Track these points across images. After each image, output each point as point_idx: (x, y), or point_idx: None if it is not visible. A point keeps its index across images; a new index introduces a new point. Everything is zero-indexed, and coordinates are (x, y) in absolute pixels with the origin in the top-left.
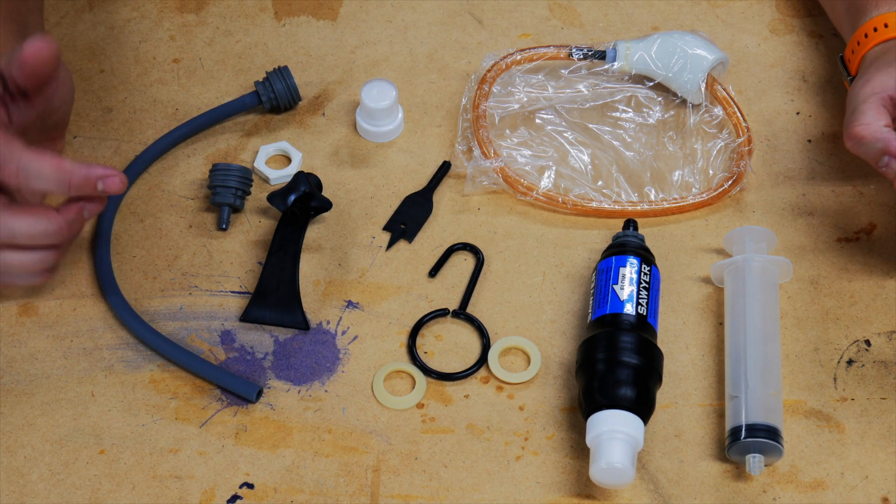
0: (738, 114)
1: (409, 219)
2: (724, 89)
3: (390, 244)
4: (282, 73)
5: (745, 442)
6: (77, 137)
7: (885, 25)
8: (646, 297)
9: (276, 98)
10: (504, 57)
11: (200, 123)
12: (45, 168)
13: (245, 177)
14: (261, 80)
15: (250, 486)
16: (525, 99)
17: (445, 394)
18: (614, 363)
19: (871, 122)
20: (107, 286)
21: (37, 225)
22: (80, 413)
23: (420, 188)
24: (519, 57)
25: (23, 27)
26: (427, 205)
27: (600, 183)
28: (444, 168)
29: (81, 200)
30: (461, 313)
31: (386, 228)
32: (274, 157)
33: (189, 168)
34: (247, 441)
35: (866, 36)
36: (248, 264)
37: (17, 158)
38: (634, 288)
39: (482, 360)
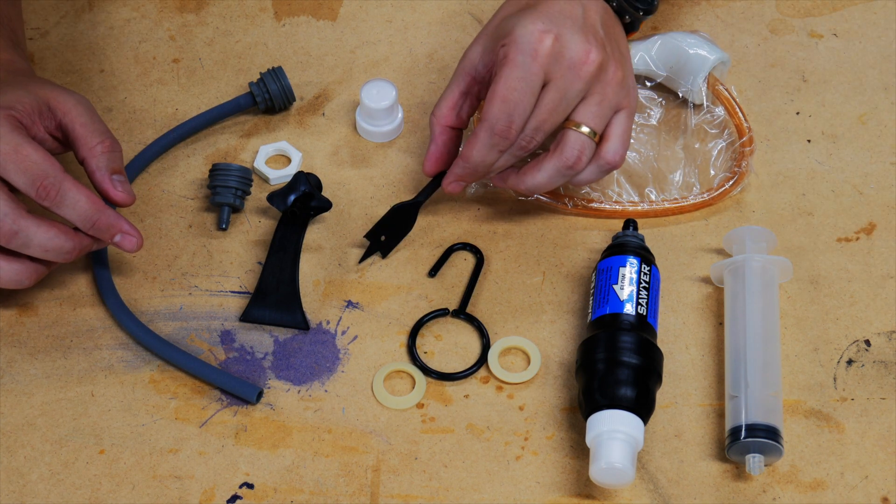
0: (740, 114)
1: (390, 231)
2: (727, 89)
3: (363, 258)
4: (276, 73)
5: (745, 442)
6: None
7: None
8: (646, 297)
9: (270, 99)
10: None
11: (196, 125)
12: (82, 201)
13: (245, 177)
14: (255, 80)
15: (250, 486)
16: None
17: (445, 394)
18: (614, 363)
19: (446, 114)
20: (105, 289)
21: (56, 240)
22: (80, 413)
23: (419, 189)
24: None
25: (12, 34)
26: (411, 220)
27: (601, 184)
28: (438, 180)
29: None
30: (461, 313)
31: (367, 237)
32: (274, 157)
33: (189, 168)
34: (247, 441)
35: None
36: (248, 264)
37: (61, 183)
38: (634, 288)
39: (482, 360)
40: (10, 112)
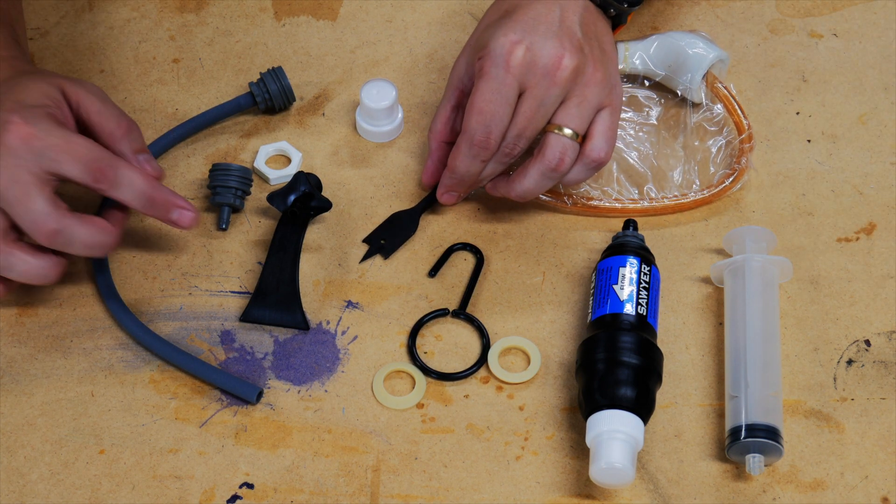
0: (739, 111)
1: (390, 235)
2: (725, 87)
3: (365, 257)
4: (276, 73)
5: (745, 442)
6: None
7: None
8: (646, 297)
9: (270, 99)
10: None
11: (196, 125)
12: (137, 180)
13: (245, 177)
14: (255, 80)
15: (250, 486)
16: None
17: (445, 394)
18: (614, 363)
19: (440, 129)
20: (104, 289)
21: (98, 236)
22: (80, 413)
23: (419, 189)
24: None
25: (12, 31)
26: (412, 225)
27: (601, 181)
28: None
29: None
30: (461, 313)
31: (366, 241)
32: (274, 157)
33: (189, 168)
34: (247, 441)
35: None
36: (248, 264)
37: (116, 164)
38: (634, 288)
39: (482, 360)
40: (46, 109)
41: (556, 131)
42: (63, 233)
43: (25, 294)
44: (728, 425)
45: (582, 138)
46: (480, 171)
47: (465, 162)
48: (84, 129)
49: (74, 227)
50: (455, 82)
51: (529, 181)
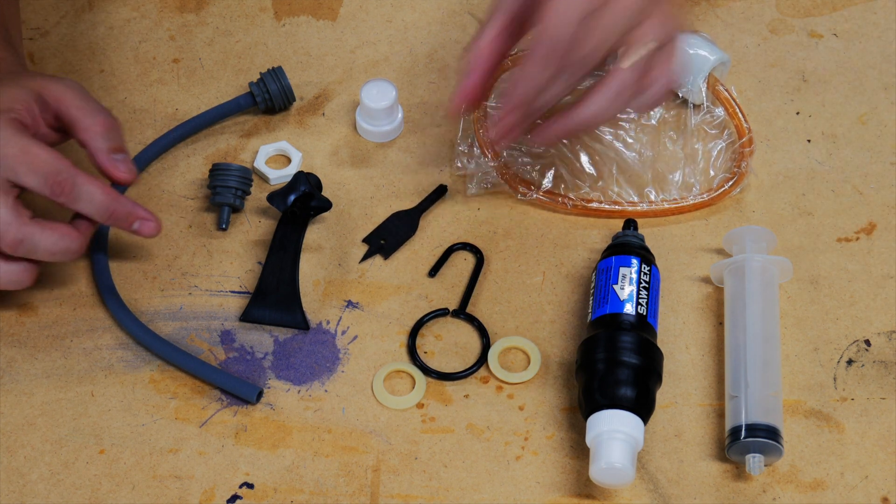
0: (740, 114)
1: (390, 235)
2: (726, 90)
3: (364, 257)
4: (276, 73)
5: (745, 442)
6: None
7: None
8: (646, 296)
9: (270, 99)
10: None
11: (196, 125)
12: (97, 194)
13: (245, 177)
14: (255, 80)
15: (250, 486)
16: None
17: (445, 394)
18: (614, 363)
19: (488, 45)
20: (104, 289)
21: (61, 242)
22: (80, 413)
23: (419, 189)
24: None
25: (5, 33)
26: (412, 226)
27: (601, 183)
28: (439, 192)
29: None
30: (461, 313)
31: (365, 241)
32: (274, 157)
33: (189, 168)
34: (247, 441)
35: None
36: (248, 264)
37: (74, 177)
38: (634, 288)
39: (482, 360)
40: (10, 115)
41: (628, 51)
42: (26, 241)
43: (25, 294)
44: (728, 425)
45: (650, 64)
46: (544, 88)
47: (536, 73)
48: (64, 126)
49: (37, 236)
50: (505, 5)
51: (595, 105)
